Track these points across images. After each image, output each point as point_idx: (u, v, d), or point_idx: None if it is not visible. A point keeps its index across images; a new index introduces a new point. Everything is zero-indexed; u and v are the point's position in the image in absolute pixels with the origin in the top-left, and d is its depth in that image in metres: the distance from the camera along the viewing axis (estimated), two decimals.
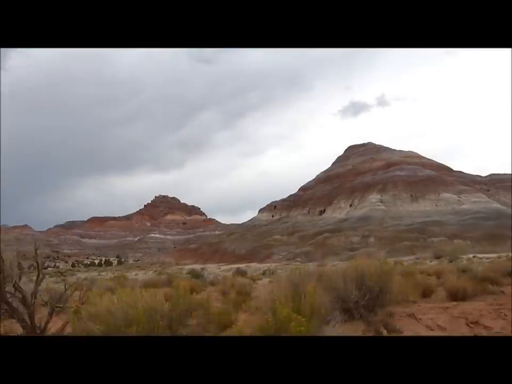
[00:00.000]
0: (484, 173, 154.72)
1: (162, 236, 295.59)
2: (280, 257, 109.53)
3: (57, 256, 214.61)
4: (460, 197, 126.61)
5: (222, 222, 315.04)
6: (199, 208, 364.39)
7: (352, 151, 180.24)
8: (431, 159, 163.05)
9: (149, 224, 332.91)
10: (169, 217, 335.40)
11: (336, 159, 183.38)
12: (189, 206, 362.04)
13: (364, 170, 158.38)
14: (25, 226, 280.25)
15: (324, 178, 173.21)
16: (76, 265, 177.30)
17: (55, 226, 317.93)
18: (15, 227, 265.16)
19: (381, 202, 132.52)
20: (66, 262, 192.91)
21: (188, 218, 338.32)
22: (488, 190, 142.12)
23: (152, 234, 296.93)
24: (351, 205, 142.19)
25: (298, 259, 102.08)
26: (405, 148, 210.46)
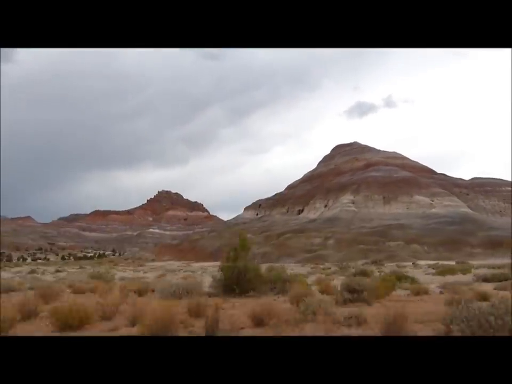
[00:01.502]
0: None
1: (161, 231, 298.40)
2: None
3: (51, 249, 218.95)
4: (432, 200, 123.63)
5: (224, 219, 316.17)
6: (202, 205, 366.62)
7: (338, 150, 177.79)
8: (415, 161, 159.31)
9: (150, 219, 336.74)
10: (171, 212, 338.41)
11: (322, 159, 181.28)
12: (192, 202, 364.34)
13: (344, 170, 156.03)
14: (28, 218, 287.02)
15: (308, 178, 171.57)
16: (67, 258, 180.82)
17: (59, 219, 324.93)
18: (18, 218, 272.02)
19: (352, 203, 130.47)
20: (57, 254, 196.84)
21: (189, 214, 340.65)
22: (468, 194, 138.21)
23: (151, 229, 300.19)
24: (325, 205, 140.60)
25: (255, 260, 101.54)
26: (404, 151, 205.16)
